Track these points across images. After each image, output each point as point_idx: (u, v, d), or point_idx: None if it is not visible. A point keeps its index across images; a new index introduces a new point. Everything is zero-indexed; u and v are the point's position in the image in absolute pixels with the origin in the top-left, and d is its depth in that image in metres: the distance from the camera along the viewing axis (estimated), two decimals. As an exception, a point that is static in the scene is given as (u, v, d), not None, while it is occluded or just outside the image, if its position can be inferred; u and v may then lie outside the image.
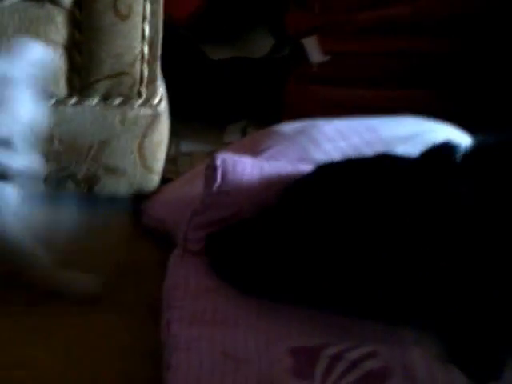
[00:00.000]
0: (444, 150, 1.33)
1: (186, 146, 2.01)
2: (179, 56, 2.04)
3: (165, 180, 1.77)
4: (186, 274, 1.42)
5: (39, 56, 1.38)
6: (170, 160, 1.89)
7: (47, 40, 1.54)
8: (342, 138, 1.65)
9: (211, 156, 1.52)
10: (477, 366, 1.21)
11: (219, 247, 1.40)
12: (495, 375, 1.20)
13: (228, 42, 2.10)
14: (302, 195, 1.37)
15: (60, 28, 1.55)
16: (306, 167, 1.48)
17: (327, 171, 1.39)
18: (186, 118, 2.03)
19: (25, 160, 1.37)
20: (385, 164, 1.35)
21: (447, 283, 1.24)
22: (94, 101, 1.62)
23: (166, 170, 1.79)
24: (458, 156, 1.31)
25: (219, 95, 2.09)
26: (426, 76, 2.07)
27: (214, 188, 1.46)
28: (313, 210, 1.33)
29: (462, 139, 1.45)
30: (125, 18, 1.54)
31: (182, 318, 1.32)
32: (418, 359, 1.21)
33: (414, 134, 1.64)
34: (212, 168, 1.48)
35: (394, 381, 1.18)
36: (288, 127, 1.73)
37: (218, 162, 1.48)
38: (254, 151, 1.65)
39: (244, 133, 2.07)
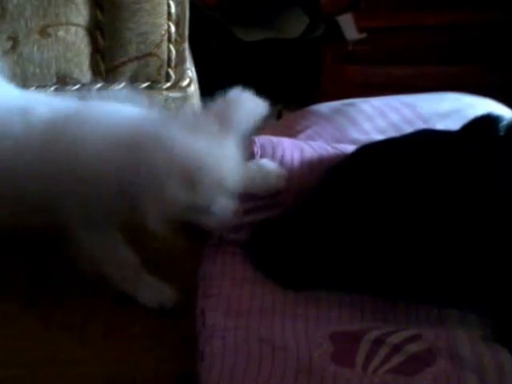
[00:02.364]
0: (486, 122, 1.29)
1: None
2: (211, 39, 2.02)
3: None
4: (222, 262, 1.38)
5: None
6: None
7: (68, 22, 1.51)
8: (380, 116, 1.60)
9: (248, 140, 1.43)
10: None
11: (262, 243, 1.36)
12: None
13: (261, 24, 2.06)
14: (345, 180, 1.33)
15: (81, 8, 1.51)
16: (346, 147, 1.44)
17: (368, 154, 1.34)
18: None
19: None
20: (426, 141, 1.31)
21: (493, 263, 1.20)
22: (121, 85, 1.58)
23: None
24: (501, 128, 1.27)
25: (253, 78, 2.03)
26: (467, 50, 2.02)
27: None
28: (355, 195, 1.29)
29: (504, 113, 1.40)
30: (150, -1, 1.50)
31: (218, 306, 1.29)
32: (463, 340, 1.17)
33: (454, 109, 1.59)
34: (251, 153, 1.42)
35: (440, 363, 1.14)
36: (325, 107, 1.68)
37: (257, 146, 1.43)
38: (291, 133, 1.60)
39: (279, 117, 2.03)
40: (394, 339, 1.17)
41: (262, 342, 1.19)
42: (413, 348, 1.16)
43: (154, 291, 1.35)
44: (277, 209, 1.39)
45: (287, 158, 1.43)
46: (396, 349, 1.16)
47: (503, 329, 1.21)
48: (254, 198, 1.40)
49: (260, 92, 2.03)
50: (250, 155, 1.42)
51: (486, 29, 2.01)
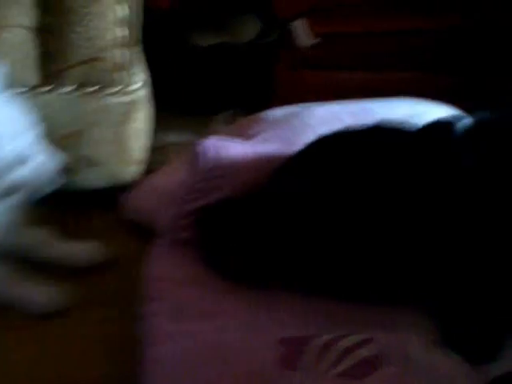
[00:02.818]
0: (444, 124, 1.29)
1: (173, 137, 1.94)
2: (164, 44, 1.99)
3: (151, 171, 1.71)
4: (170, 264, 1.36)
5: None
6: (157, 151, 1.82)
7: (15, 24, 1.48)
8: (335, 120, 1.58)
9: (194, 143, 1.46)
10: (475, 347, 1.17)
11: (212, 237, 1.35)
12: (494, 355, 1.16)
13: (214, 28, 2.04)
14: (298, 170, 1.32)
15: (28, 11, 1.48)
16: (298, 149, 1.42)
17: (323, 145, 1.34)
18: (173, 107, 1.97)
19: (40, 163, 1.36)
20: (383, 136, 1.31)
21: (444, 262, 1.20)
22: (68, 88, 1.55)
23: (152, 161, 1.73)
24: (458, 130, 1.27)
25: (206, 83, 2.03)
26: (424, 56, 2.02)
27: (203, 173, 1.41)
28: (307, 187, 1.29)
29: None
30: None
31: (165, 310, 1.27)
32: (413, 345, 1.16)
33: (409, 115, 1.56)
34: (199, 153, 1.43)
35: (390, 367, 1.12)
36: (278, 112, 1.68)
37: (206, 146, 1.43)
38: (243, 138, 1.59)
39: (233, 122, 2.00)
40: (345, 343, 1.16)
41: (210, 346, 1.18)
42: (363, 352, 1.14)
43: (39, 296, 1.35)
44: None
45: (236, 157, 1.43)
46: (346, 352, 1.15)
47: (449, 330, 1.20)
48: (201, 197, 1.40)
49: (213, 96, 2.03)
50: (194, 156, 1.43)
51: (443, 35, 2.00)
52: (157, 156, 1.79)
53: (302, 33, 1.96)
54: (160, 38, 1.96)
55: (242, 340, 1.19)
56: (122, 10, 1.51)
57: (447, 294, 1.21)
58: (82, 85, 1.55)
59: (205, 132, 1.90)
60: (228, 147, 1.45)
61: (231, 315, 1.24)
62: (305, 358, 1.14)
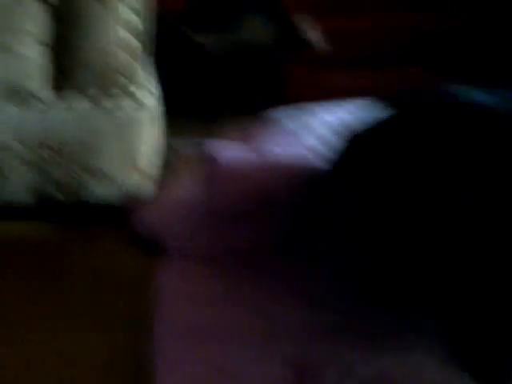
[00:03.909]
0: None
1: (182, 142, 1.86)
2: (173, 46, 1.95)
3: (159, 181, 1.66)
4: (179, 281, 1.35)
5: None
6: (166, 158, 1.75)
7: (28, 35, 1.47)
8: (339, 123, 1.58)
9: (202, 149, 1.50)
10: (487, 368, 1.17)
11: None
12: (506, 378, 1.16)
13: (224, 31, 2.02)
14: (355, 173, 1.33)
15: (42, 24, 1.47)
16: (299, 153, 1.47)
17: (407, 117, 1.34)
18: (179, 112, 1.88)
19: None
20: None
21: (467, 282, 1.21)
22: (81, 102, 1.53)
23: (161, 170, 1.67)
24: None
25: (215, 87, 2.00)
26: (424, 53, 2.03)
27: (211, 180, 1.42)
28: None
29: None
30: (109, 8, 1.46)
31: (175, 330, 1.25)
32: (429, 368, 1.16)
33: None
34: (206, 160, 1.45)
35: None
36: (284, 115, 1.70)
37: (211, 153, 1.45)
38: (248, 140, 1.62)
39: (243, 124, 1.99)
40: (361, 371, 1.16)
41: (220, 370, 1.16)
42: (380, 377, 1.15)
43: None
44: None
45: (242, 162, 1.45)
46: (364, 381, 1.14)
47: (463, 352, 1.20)
48: (213, 205, 1.42)
49: (224, 99, 1.99)
50: (205, 163, 1.45)
51: (450, 32, 2.03)
52: (165, 163, 1.74)
53: (310, 30, 1.95)
54: (171, 45, 1.93)
55: (248, 362, 1.17)
56: (136, 21, 1.49)
57: (464, 316, 1.21)
58: (94, 98, 1.53)
59: (214, 136, 1.88)
60: (237, 151, 1.47)
61: (238, 337, 1.22)
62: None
